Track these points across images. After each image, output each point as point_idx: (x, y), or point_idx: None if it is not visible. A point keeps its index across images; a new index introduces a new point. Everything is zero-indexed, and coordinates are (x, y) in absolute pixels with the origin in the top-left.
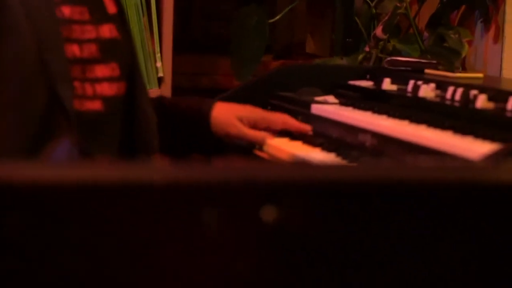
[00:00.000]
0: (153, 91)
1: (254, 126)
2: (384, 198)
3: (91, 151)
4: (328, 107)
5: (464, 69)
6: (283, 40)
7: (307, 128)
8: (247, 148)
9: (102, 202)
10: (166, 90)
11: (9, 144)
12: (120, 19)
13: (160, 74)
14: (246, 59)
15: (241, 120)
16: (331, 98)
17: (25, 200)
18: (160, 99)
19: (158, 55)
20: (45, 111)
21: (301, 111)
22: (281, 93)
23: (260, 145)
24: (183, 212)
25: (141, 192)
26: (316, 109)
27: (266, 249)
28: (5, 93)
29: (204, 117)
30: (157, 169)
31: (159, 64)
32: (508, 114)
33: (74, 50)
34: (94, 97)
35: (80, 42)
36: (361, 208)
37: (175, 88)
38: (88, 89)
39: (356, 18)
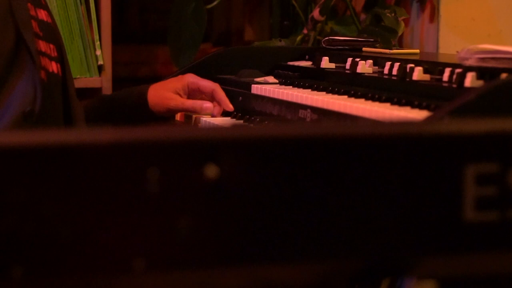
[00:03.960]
0: (94, 80)
1: (189, 94)
2: (321, 153)
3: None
4: (268, 87)
5: (401, 48)
6: (221, 28)
7: (230, 106)
8: None
9: (50, 164)
10: (106, 78)
11: None
12: (49, 9)
13: (100, 62)
14: (185, 47)
15: (176, 92)
16: (270, 79)
17: None
18: (100, 98)
19: (97, 43)
20: (13, 50)
21: (242, 92)
22: (220, 75)
23: (199, 111)
24: (128, 172)
25: (87, 153)
26: (256, 89)
27: (207, 205)
28: None
29: (142, 102)
30: (103, 131)
31: (98, 53)
32: (444, 85)
33: None
34: (40, 67)
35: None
36: (299, 163)
37: (114, 78)
38: (37, 58)
39: (293, 1)
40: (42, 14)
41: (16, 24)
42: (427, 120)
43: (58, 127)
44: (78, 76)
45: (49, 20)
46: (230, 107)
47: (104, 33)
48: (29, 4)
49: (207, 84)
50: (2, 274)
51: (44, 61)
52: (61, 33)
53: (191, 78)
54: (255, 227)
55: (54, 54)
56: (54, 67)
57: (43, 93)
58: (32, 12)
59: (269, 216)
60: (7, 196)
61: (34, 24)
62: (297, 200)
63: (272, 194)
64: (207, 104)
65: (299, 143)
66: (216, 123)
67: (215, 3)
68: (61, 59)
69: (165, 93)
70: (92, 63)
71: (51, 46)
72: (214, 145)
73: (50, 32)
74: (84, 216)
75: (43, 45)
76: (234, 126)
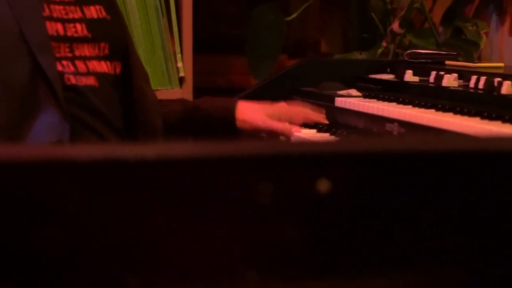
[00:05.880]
0: (175, 91)
1: (277, 120)
2: (427, 167)
3: (87, 122)
4: (352, 100)
5: (481, 61)
6: (297, 39)
7: (325, 120)
8: None
9: (165, 175)
10: (187, 90)
11: None
12: (110, 2)
13: (182, 74)
14: (263, 58)
15: (266, 115)
16: (353, 91)
17: (86, 175)
18: (183, 102)
19: (178, 55)
20: (28, 81)
21: (325, 104)
22: (303, 88)
23: (288, 136)
24: (241, 186)
25: (201, 166)
26: (340, 102)
27: (318, 219)
28: None
29: (230, 116)
30: (217, 145)
31: (180, 64)
32: None
33: (57, 28)
34: (88, 73)
35: (64, 21)
36: (406, 177)
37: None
38: (81, 66)
39: (372, 14)
40: (92, 12)
41: (30, 48)
42: None
43: (116, 126)
44: (160, 88)
45: (102, 15)
46: (326, 122)
47: (185, 45)
48: (71, 7)
49: (299, 115)
50: (118, 285)
51: (92, 65)
52: (143, 45)
53: (284, 109)
54: (366, 240)
55: (104, 52)
56: (104, 67)
57: (93, 100)
58: (76, 14)
59: (379, 230)
60: (122, 206)
61: (80, 26)
62: (407, 213)
63: (383, 208)
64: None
65: (413, 157)
66: (304, 136)
67: (294, 15)
68: (122, 55)
69: (255, 113)
70: (174, 75)
71: (101, 45)
72: (327, 159)
73: (103, 29)
74: (198, 229)
75: (89, 48)
76: (346, 140)
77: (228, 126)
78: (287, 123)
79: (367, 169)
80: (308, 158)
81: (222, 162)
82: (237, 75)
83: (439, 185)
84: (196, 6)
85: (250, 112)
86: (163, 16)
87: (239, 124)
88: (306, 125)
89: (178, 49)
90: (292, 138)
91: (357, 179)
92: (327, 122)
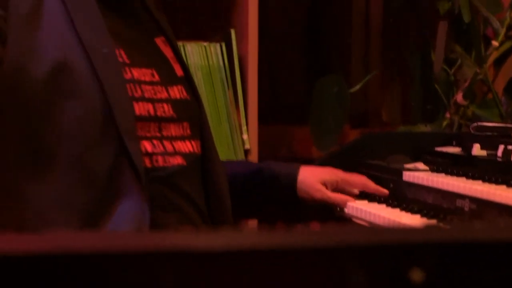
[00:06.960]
0: None
1: (335, 188)
2: None
3: (173, 202)
4: (420, 174)
5: None
6: (359, 109)
7: (384, 191)
8: (328, 210)
9: (250, 268)
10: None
11: (77, 201)
12: (188, 81)
13: (247, 146)
14: (327, 129)
15: (324, 184)
16: (420, 165)
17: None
18: (246, 164)
19: (244, 127)
20: (113, 167)
21: (392, 178)
22: (369, 161)
23: (341, 207)
24: (330, 275)
25: (290, 256)
26: (408, 176)
27: None
28: (69, 152)
29: (291, 182)
30: (303, 234)
31: (245, 136)
32: None
33: (149, 108)
34: (175, 153)
35: (153, 101)
36: (502, 267)
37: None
38: (168, 146)
39: (436, 86)
40: (175, 92)
41: (118, 131)
42: None
43: (198, 205)
44: (225, 160)
45: (183, 96)
46: (385, 192)
47: (251, 117)
48: (158, 87)
49: (358, 182)
50: None
51: (178, 145)
52: (209, 118)
53: (341, 174)
54: None
55: (186, 132)
56: (189, 146)
57: (179, 180)
58: (163, 94)
59: None
60: None
61: (167, 106)
62: None
63: None
64: (351, 203)
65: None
66: (369, 210)
67: (357, 87)
68: (196, 134)
69: (313, 182)
70: (239, 146)
71: (184, 124)
72: (420, 248)
73: (185, 109)
74: None
75: (175, 128)
76: (438, 228)
77: (290, 192)
78: (342, 195)
79: (461, 258)
80: (400, 247)
81: (311, 252)
82: (300, 145)
83: None
84: (259, 77)
85: (309, 181)
86: (228, 89)
87: (299, 192)
88: (374, 199)
89: (243, 121)
90: (362, 214)
91: (451, 268)
92: (386, 192)
